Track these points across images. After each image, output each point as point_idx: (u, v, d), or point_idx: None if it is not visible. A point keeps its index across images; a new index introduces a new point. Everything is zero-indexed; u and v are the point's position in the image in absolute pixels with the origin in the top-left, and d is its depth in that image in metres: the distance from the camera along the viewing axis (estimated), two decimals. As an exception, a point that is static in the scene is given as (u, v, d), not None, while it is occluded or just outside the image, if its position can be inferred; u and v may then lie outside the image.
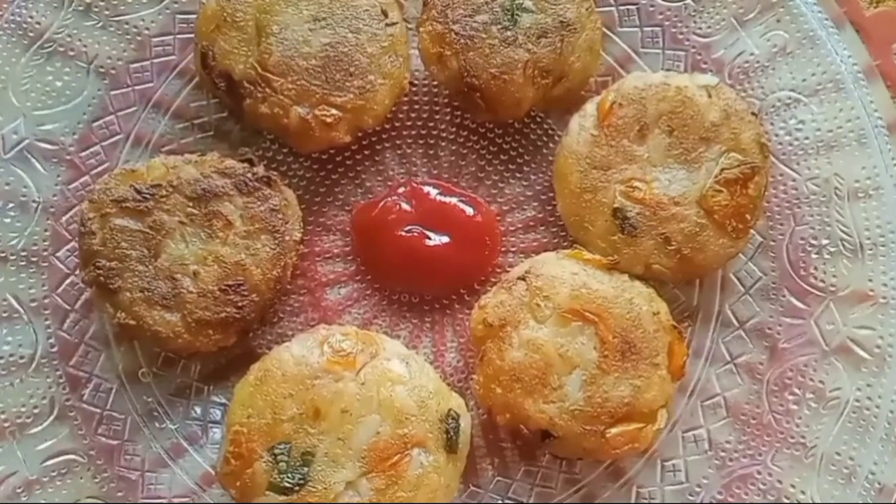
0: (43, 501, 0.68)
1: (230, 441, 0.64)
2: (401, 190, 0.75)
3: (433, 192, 0.75)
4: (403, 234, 0.73)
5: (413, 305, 0.75)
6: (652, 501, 0.72)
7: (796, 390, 0.72)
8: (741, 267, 0.75)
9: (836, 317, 0.73)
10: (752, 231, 0.71)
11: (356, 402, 0.65)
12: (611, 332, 0.66)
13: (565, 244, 0.75)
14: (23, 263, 0.73)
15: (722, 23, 0.77)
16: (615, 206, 0.70)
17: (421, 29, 0.74)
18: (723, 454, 0.72)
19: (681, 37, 0.78)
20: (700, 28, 0.78)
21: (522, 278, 0.69)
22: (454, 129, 0.78)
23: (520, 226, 0.77)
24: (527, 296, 0.68)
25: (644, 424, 0.67)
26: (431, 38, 0.73)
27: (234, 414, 0.65)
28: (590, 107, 0.72)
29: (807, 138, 0.75)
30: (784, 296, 0.74)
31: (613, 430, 0.66)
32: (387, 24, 0.74)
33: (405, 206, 0.74)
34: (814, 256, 0.74)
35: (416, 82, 0.79)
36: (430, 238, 0.73)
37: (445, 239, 0.73)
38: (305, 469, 0.63)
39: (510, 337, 0.67)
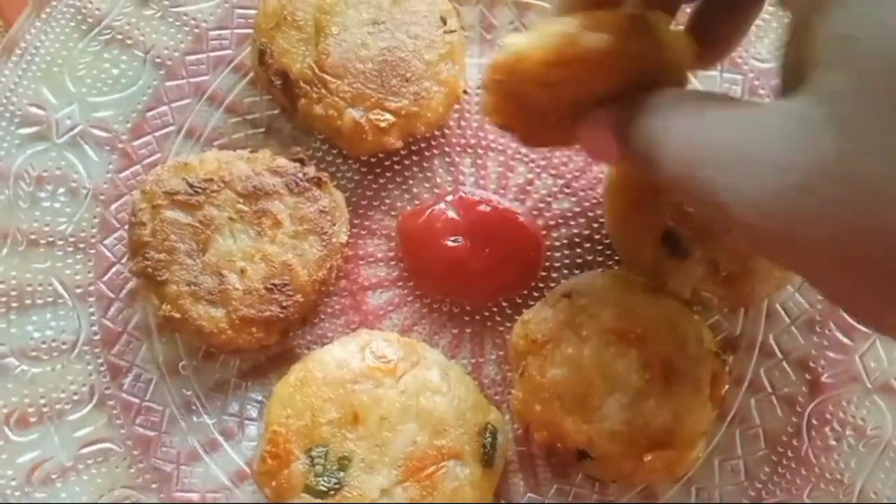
0: (78, 489, 0.68)
1: (268, 440, 0.64)
2: (448, 198, 0.75)
3: (480, 202, 0.75)
4: (449, 243, 0.72)
5: (454, 315, 0.75)
6: (684, 528, 0.71)
7: (836, 426, 0.71)
8: (788, 298, 0.74)
9: (882, 354, 0.72)
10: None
11: (395, 409, 0.65)
12: (654, 356, 0.66)
13: (611, 263, 0.75)
14: (70, 249, 0.73)
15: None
16: (666, 228, 0.69)
17: None
18: (759, 486, 0.71)
19: (739, 60, 0.77)
20: (759, 53, 0.77)
21: (567, 295, 0.68)
22: (503, 141, 0.78)
23: (565, 241, 0.76)
24: (570, 314, 0.67)
25: (682, 451, 0.66)
26: None
27: (273, 413, 0.65)
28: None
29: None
30: (830, 330, 0.73)
31: (651, 455, 0.65)
32: (445, 32, 0.74)
33: (452, 215, 0.74)
34: (862, 292, 0.73)
35: (468, 90, 0.79)
36: (474, 249, 0.72)
37: (490, 250, 0.72)
38: (342, 473, 0.63)
39: (552, 354, 0.67)
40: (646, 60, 0.49)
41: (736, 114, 0.43)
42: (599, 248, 0.76)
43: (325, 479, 0.63)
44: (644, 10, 0.50)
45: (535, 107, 0.55)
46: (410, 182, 0.77)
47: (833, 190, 0.37)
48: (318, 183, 0.71)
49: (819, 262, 0.40)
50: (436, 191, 0.77)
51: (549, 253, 0.76)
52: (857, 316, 0.46)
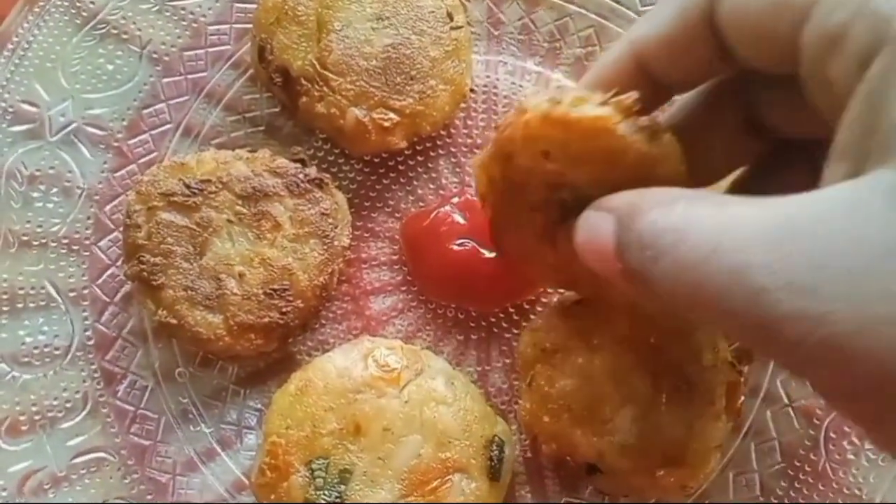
0: (70, 500, 0.66)
1: (267, 452, 0.62)
2: (454, 200, 0.72)
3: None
4: (454, 247, 0.70)
5: (459, 321, 0.72)
6: (696, 544, 0.69)
7: (855, 439, 0.69)
8: (805, 306, 0.71)
9: (902, 366, 0.69)
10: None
11: (399, 420, 0.62)
12: (667, 366, 0.63)
13: (622, 268, 0.73)
14: (63, 251, 0.71)
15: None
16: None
17: None
18: (774, 501, 0.69)
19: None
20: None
21: (577, 302, 0.66)
22: (511, 140, 0.75)
23: (575, 246, 0.74)
24: (581, 321, 0.65)
25: (696, 466, 0.64)
26: None
27: (272, 424, 0.63)
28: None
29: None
30: (848, 339, 0.70)
31: (664, 470, 0.63)
32: (451, 28, 0.72)
33: (457, 218, 0.71)
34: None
35: (475, 89, 0.76)
36: (481, 253, 0.70)
37: (497, 255, 0.70)
38: (343, 487, 0.61)
39: (561, 363, 0.64)
40: (644, 164, 0.45)
41: (784, 198, 0.35)
42: (610, 252, 0.73)
43: (326, 492, 0.61)
44: (666, 126, 0.46)
45: (521, 175, 0.51)
46: (415, 183, 0.75)
47: None
48: (320, 184, 0.68)
49: (888, 368, 0.31)
50: (441, 192, 0.75)
51: (558, 257, 0.73)
52: None
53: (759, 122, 0.50)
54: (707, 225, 0.35)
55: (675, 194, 0.39)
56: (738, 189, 0.55)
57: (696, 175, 0.51)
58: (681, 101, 0.52)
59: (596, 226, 0.43)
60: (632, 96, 0.44)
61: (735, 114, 0.50)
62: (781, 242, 0.32)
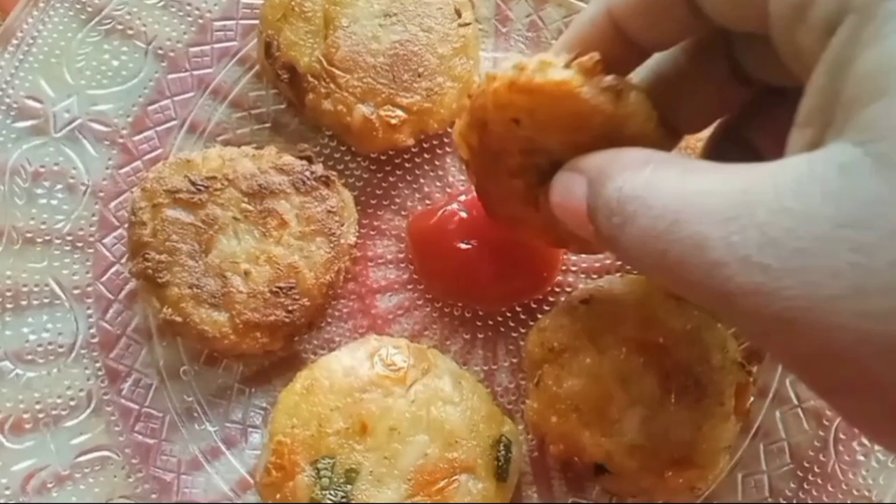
0: (74, 499, 0.66)
1: (272, 451, 0.61)
2: (461, 198, 0.71)
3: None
4: (461, 245, 0.69)
5: (466, 319, 0.72)
6: (705, 544, 0.68)
7: (864, 440, 0.68)
8: (815, 305, 0.71)
9: (912, 366, 0.69)
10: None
11: (405, 420, 0.62)
12: (676, 367, 0.63)
13: (629, 267, 0.72)
14: (67, 248, 0.70)
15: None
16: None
17: None
18: (783, 502, 0.68)
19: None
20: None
21: (585, 301, 0.65)
22: (519, 139, 0.75)
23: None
24: (589, 321, 0.64)
25: (705, 467, 0.63)
26: None
27: (278, 423, 0.62)
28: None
29: None
30: (858, 340, 0.70)
31: (672, 471, 0.62)
32: (459, 25, 0.71)
33: (464, 216, 0.70)
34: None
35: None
36: (488, 252, 0.69)
37: (504, 254, 0.69)
38: (349, 487, 0.61)
39: (569, 363, 0.64)
40: (612, 124, 0.45)
41: (743, 169, 0.35)
42: (618, 251, 0.73)
43: (332, 492, 0.60)
44: (633, 84, 0.46)
45: (497, 142, 0.52)
46: (422, 181, 0.74)
47: (883, 248, 0.30)
48: (326, 182, 0.68)
49: (846, 344, 0.31)
50: (448, 190, 0.74)
51: (566, 256, 0.72)
52: None
53: (744, 71, 0.49)
54: (670, 194, 0.36)
55: (643, 157, 0.40)
56: (721, 136, 0.54)
57: (685, 124, 0.52)
58: (664, 53, 0.51)
59: (568, 188, 0.44)
60: (594, 57, 0.44)
61: (720, 64, 0.49)
62: (738, 216, 0.33)
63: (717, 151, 0.55)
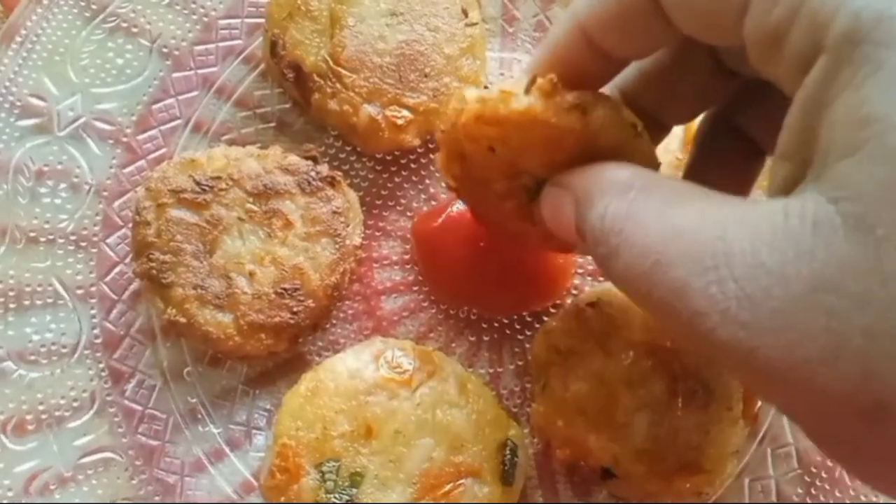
0: (77, 501, 0.65)
1: (277, 454, 0.61)
2: (467, 199, 0.71)
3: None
4: (467, 248, 0.68)
5: (471, 322, 0.71)
6: (711, 549, 0.68)
7: (872, 446, 0.68)
8: (823, 310, 0.70)
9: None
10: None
11: (410, 423, 0.62)
12: (684, 371, 0.62)
13: (637, 270, 0.72)
14: (71, 248, 0.70)
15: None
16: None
17: None
18: (790, 507, 0.68)
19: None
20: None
21: (593, 305, 0.65)
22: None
23: (589, 247, 0.72)
24: (596, 325, 0.64)
25: (712, 471, 0.63)
26: None
27: (283, 425, 0.62)
28: (676, 127, 0.68)
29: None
30: (866, 344, 0.69)
31: (680, 476, 0.62)
32: (466, 25, 0.71)
33: (470, 218, 0.70)
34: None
35: (489, 86, 0.75)
36: (496, 256, 0.68)
37: (513, 259, 0.68)
38: (354, 490, 0.60)
39: (575, 367, 0.63)
40: (585, 139, 0.45)
41: (722, 208, 0.35)
42: (625, 253, 0.72)
43: (337, 495, 0.60)
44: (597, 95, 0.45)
45: (479, 171, 0.52)
46: (427, 182, 0.74)
47: (855, 313, 0.30)
48: (332, 182, 0.67)
49: (824, 404, 0.31)
50: (454, 191, 0.73)
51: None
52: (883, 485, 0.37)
53: (728, 66, 0.48)
54: (651, 231, 0.36)
55: (626, 180, 0.40)
56: (711, 126, 0.54)
57: (672, 117, 0.51)
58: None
59: (557, 206, 0.45)
60: (552, 79, 0.43)
61: (703, 59, 0.48)
62: (717, 266, 0.33)
63: (710, 140, 0.54)
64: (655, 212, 0.37)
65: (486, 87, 0.49)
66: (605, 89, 0.48)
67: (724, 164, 0.53)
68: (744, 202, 0.35)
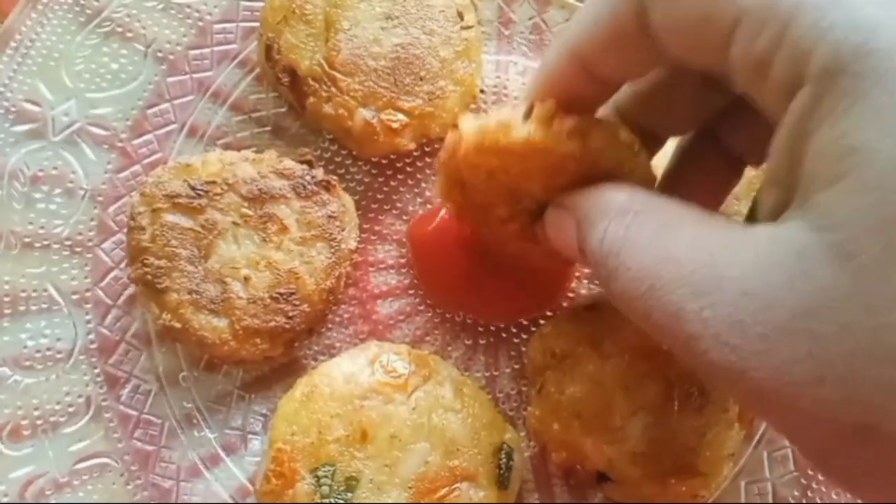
0: (73, 505, 0.65)
1: (272, 459, 0.61)
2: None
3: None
4: (463, 252, 0.68)
5: (467, 326, 0.71)
6: (707, 552, 0.68)
7: (869, 448, 0.68)
8: (819, 312, 0.70)
9: (917, 373, 0.68)
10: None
11: (406, 427, 0.62)
12: (679, 374, 0.62)
13: (633, 273, 0.71)
14: (66, 253, 0.70)
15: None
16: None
17: None
18: (787, 510, 0.68)
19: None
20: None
21: (588, 308, 0.65)
22: (521, 141, 0.74)
23: (585, 250, 0.72)
24: (592, 327, 0.64)
25: (708, 474, 0.63)
26: None
27: (278, 430, 0.62)
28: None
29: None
30: (863, 345, 0.69)
31: (676, 479, 0.62)
32: (462, 28, 0.71)
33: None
34: None
35: (485, 89, 0.75)
36: (492, 260, 0.68)
37: (510, 264, 0.68)
38: (349, 495, 0.60)
39: (571, 370, 0.63)
40: (586, 163, 0.46)
41: (714, 233, 0.36)
42: (621, 256, 0.72)
43: (332, 500, 0.60)
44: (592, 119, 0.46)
45: (481, 197, 0.53)
46: (423, 185, 0.74)
47: (837, 340, 0.31)
48: (327, 186, 0.67)
49: (811, 425, 0.33)
50: (450, 194, 0.73)
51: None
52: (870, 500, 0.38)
53: (715, 83, 0.49)
54: (647, 255, 0.37)
55: (624, 203, 0.41)
56: (694, 142, 0.54)
57: (664, 131, 0.52)
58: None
59: (559, 227, 0.47)
60: (549, 106, 0.44)
61: (695, 76, 0.48)
62: (709, 293, 0.34)
63: (689, 148, 0.55)
64: (650, 236, 0.38)
65: (483, 112, 0.50)
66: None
67: (702, 172, 0.54)
68: (734, 227, 0.36)
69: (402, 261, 0.72)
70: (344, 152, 0.74)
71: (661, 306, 0.36)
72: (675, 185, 0.53)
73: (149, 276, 0.64)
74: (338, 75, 0.67)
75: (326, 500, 0.60)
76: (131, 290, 0.69)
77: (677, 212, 0.39)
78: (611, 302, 0.42)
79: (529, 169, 0.47)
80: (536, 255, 0.58)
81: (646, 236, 0.38)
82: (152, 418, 0.68)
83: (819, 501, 0.68)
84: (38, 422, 0.67)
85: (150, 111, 0.73)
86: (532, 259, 0.61)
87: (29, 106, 0.71)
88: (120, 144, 0.72)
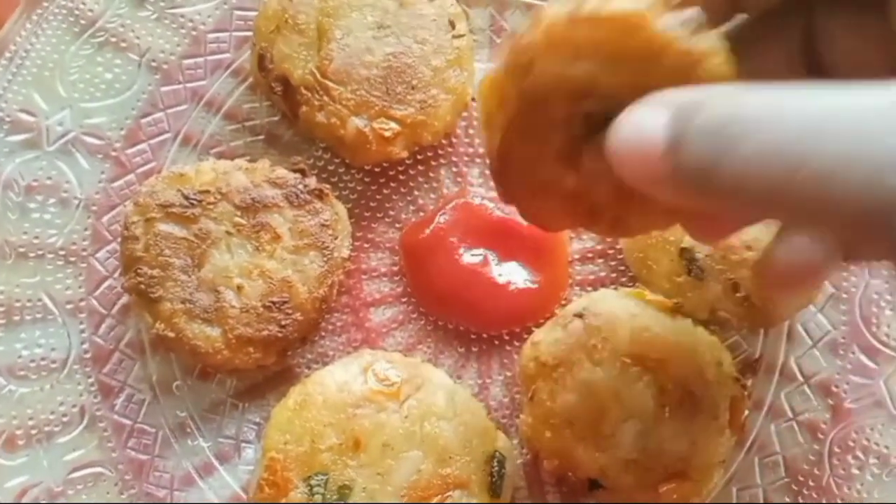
0: (67, 515, 0.66)
1: (265, 468, 0.61)
2: (454, 203, 0.71)
3: (489, 211, 0.71)
4: (456, 260, 0.69)
5: (460, 333, 0.72)
6: (698, 559, 0.68)
7: (860, 454, 0.68)
8: (810, 318, 0.70)
9: (908, 379, 0.69)
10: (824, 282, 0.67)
11: (398, 435, 0.62)
12: (671, 381, 0.63)
13: (624, 280, 0.72)
14: (60, 263, 0.70)
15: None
16: (683, 245, 0.66)
17: None
18: (778, 517, 0.68)
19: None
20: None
21: (580, 315, 0.65)
22: (514, 150, 0.74)
23: (577, 257, 0.73)
24: (583, 335, 0.64)
25: (699, 481, 0.63)
26: None
27: (271, 439, 0.62)
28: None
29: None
30: (853, 352, 0.70)
31: (667, 485, 0.62)
32: (454, 36, 0.71)
33: (457, 229, 0.70)
34: (888, 313, 0.70)
35: (476, 98, 0.75)
36: (486, 268, 0.69)
37: (504, 271, 0.69)
38: (342, 503, 0.60)
39: (563, 378, 0.64)
40: (684, 64, 0.41)
41: (874, 87, 0.34)
42: (613, 263, 0.73)
43: (325, 508, 0.60)
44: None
45: (540, 90, 0.45)
46: (416, 193, 0.74)
47: None
48: (320, 195, 0.68)
49: None
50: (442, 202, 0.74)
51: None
52: None
53: (814, 55, 0.46)
54: (807, 107, 0.34)
55: (742, 87, 0.37)
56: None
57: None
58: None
59: (641, 122, 0.39)
60: None
61: (789, 45, 0.46)
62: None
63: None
64: (803, 95, 0.35)
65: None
66: None
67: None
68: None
69: (395, 269, 0.73)
70: (337, 161, 0.74)
71: (829, 150, 0.33)
72: None
73: (142, 286, 0.64)
74: (330, 84, 0.68)
75: (319, 509, 0.60)
76: (125, 299, 0.70)
77: (807, 83, 0.36)
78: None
79: (623, 51, 0.41)
80: (558, 195, 0.50)
81: (797, 96, 0.35)
82: (146, 427, 0.69)
83: (810, 507, 0.68)
84: (33, 431, 0.67)
85: (143, 120, 0.73)
86: (548, 203, 0.52)
87: (23, 116, 0.72)
88: (114, 154, 0.73)
